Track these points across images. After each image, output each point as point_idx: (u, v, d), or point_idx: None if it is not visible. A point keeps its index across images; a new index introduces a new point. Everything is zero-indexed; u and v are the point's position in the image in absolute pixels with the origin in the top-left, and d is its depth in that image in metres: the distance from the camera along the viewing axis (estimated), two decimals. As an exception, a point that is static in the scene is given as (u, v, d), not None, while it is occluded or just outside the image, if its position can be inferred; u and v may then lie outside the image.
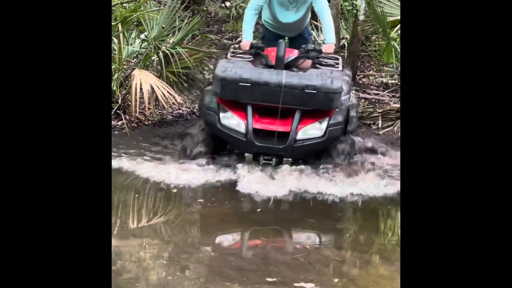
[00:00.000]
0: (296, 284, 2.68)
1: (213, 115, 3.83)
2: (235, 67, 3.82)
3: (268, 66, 3.94)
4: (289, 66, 3.95)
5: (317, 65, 4.13)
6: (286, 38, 4.53)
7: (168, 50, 5.23)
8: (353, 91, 4.76)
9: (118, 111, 5.26)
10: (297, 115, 3.69)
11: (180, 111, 5.60)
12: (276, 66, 3.84)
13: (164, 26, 5.35)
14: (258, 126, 3.71)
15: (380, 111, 5.43)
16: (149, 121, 5.36)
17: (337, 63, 4.30)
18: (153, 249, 3.15)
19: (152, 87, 4.94)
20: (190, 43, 5.78)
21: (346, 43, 6.66)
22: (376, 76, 6.66)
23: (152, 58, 5.42)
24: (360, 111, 5.51)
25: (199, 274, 2.79)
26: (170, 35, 5.61)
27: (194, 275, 2.75)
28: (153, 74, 5.20)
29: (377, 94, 6.00)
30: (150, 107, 5.20)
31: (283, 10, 4.29)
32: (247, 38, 4.19)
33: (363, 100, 5.83)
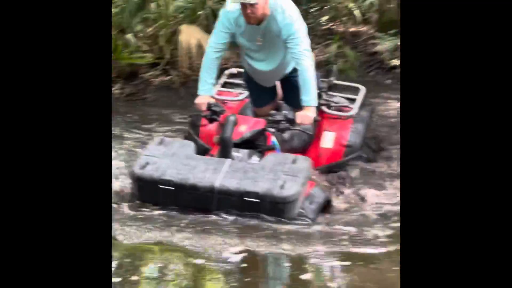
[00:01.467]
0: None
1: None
2: (163, 157, 2.91)
3: None
4: (251, 141, 3.07)
5: (323, 108, 3.42)
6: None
7: (214, 4, 5.28)
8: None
9: (166, 66, 5.40)
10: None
11: (227, 66, 5.64)
12: (220, 153, 2.96)
13: (210, -21, 5.36)
14: None
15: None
16: (197, 76, 5.47)
17: (352, 103, 3.55)
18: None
19: (199, 42, 5.00)
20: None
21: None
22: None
23: (199, 13, 5.45)
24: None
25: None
26: (217, -12, 5.61)
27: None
28: (200, 29, 5.26)
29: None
30: (198, 62, 5.30)
31: (252, 51, 3.22)
32: (203, 92, 3.16)
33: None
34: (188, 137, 3.48)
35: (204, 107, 3.11)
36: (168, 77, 5.44)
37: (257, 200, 2.72)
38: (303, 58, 2.99)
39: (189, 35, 4.99)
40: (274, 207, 2.73)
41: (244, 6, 2.87)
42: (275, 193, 2.71)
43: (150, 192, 2.84)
